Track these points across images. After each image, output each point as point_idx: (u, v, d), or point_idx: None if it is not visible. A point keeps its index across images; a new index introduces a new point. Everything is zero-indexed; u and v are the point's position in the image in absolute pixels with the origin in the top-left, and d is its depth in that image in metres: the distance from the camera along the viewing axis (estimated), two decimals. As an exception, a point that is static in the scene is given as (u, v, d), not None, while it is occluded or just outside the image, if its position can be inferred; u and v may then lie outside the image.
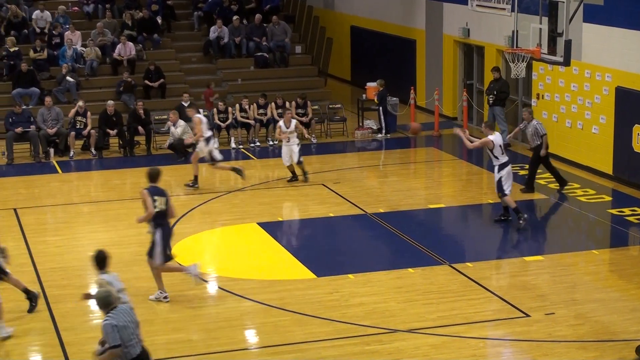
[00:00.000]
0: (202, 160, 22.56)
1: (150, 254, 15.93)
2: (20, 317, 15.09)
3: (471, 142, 19.75)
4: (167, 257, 15.93)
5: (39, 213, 21.10)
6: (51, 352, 13.85)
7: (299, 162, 22.80)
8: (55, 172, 24.75)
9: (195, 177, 22.77)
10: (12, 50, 29.82)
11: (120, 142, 26.68)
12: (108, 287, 11.27)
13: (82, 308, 15.70)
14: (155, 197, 15.81)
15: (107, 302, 10.87)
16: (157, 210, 15.80)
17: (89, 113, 26.45)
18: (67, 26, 31.29)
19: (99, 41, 30.93)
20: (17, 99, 28.28)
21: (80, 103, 26.35)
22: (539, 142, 21.25)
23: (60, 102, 28.40)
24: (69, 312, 15.27)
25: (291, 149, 22.72)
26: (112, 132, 26.47)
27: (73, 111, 26.45)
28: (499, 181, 19.26)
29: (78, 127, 26.19)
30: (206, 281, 16.57)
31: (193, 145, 25.87)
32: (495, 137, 19.26)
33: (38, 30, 31.36)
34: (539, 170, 21.80)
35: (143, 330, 14.29)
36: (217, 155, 22.53)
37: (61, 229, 20.10)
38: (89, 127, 26.30)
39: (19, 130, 25.82)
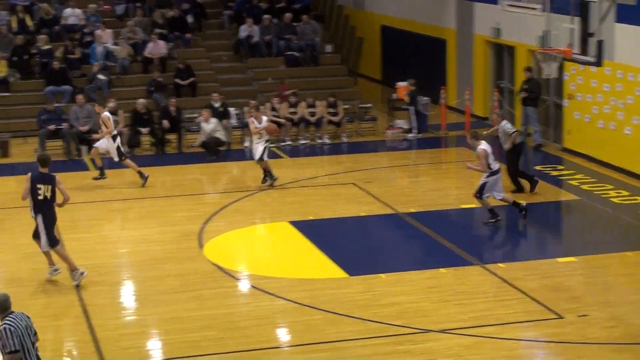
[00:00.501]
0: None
1: (36, 236, 16.44)
2: (55, 314, 15.17)
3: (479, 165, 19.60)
4: (54, 242, 16.36)
5: (71, 210, 21.09)
6: (84, 348, 13.89)
7: (260, 160, 22.53)
8: (87, 169, 24.85)
9: (101, 168, 23.08)
10: (44, 48, 29.98)
11: (152, 140, 26.78)
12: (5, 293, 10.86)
13: (115, 304, 15.80)
14: (39, 185, 16.15)
15: (4, 307, 10.67)
16: (40, 198, 16.15)
17: (120, 111, 26.55)
18: (98, 24, 31.43)
19: (130, 40, 31.05)
20: (50, 96, 28.42)
21: (112, 104, 26.45)
22: (508, 144, 21.21)
23: (92, 99, 28.50)
24: (102, 308, 15.32)
25: (257, 147, 22.63)
26: (144, 130, 26.57)
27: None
28: (483, 185, 19.27)
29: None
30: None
31: (224, 143, 26.00)
32: (486, 146, 19.30)
33: (68, 28, 31.53)
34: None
35: (174, 327, 14.46)
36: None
37: (93, 226, 20.18)
38: (120, 125, 26.39)
39: (51, 127, 25.97)
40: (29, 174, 16.28)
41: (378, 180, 23.33)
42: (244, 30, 32.09)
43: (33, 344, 10.69)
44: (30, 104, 28.53)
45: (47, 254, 16.55)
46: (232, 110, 27.61)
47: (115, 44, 30.88)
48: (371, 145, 27.41)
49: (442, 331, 14.32)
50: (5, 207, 21.39)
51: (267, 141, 22.54)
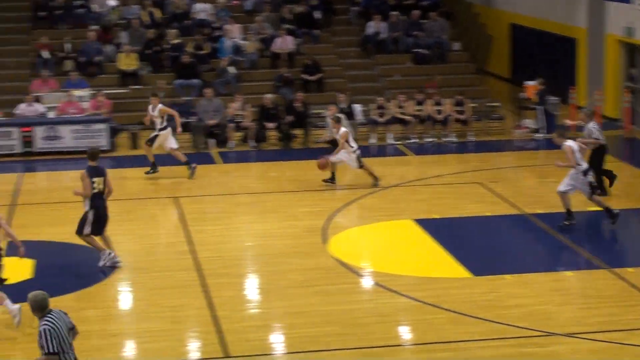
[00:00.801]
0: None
1: (80, 231, 16.82)
2: (180, 304, 15.38)
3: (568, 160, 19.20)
4: (96, 233, 16.88)
5: (198, 202, 21.49)
6: (208, 339, 14.03)
7: (361, 167, 22.51)
8: (215, 162, 25.18)
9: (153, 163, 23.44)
10: (174, 42, 30.48)
11: (279, 135, 26.99)
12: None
13: (240, 297, 15.95)
14: (94, 179, 16.50)
15: (42, 306, 10.58)
16: (95, 191, 16.54)
17: (248, 105, 26.84)
18: (227, 19, 31.81)
19: (259, 35, 31.33)
20: (179, 90, 28.88)
21: (237, 99, 26.76)
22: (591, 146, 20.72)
23: (220, 93, 28.86)
24: (227, 300, 15.47)
25: (351, 156, 22.39)
26: (270, 125, 26.79)
27: (234, 106, 26.93)
28: (590, 184, 19.04)
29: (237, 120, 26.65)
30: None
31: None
32: (572, 143, 18.98)
33: (198, 22, 31.99)
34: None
35: (297, 322, 14.52)
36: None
37: (220, 219, 20.41)
38: (247, 120, 26.70)
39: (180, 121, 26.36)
40: (84, 171, 16.68)
41: (504, 180, 23.07)
42: (371, 27, 32.09)
43: (70, 344, 10.63)
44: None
45: (102, 239, 17.06)
46: (357, 107, 27.63)
47: (244, 38, 31.21)
48: (498, 145, 27.13)
49: (568, 335, 14.06)
50: (133, 198, 21.79)
51: (355, 150, 22.42)
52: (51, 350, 10.30)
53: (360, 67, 32.00)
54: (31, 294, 10.65)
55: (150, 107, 23.78)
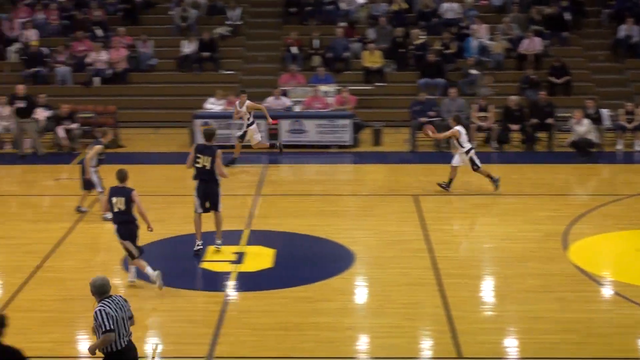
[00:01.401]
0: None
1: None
2: (414, 302, 15.37)
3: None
4: (205, 209, 17.33)
5: (437, 201, 21.44)
6: (442, 339, 13.95)
7: (477, 168, 21.94)
8: (455, 162, 25.08)
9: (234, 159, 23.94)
10: (419, 42, 30.56)
11: (522, 137, 26.62)
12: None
13: (476, 298, 15.80)
14: (199, 155, 17.18)
15: (101, 291, 10.73)
16: (196, 165, 17.11)
17: (491, 107, 26.60)
18: (474, 18, 31.62)
19: (506, 35, 30.99)
20: (423, 88, 28.91)
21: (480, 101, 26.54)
22: None
23: (465, 94, 28.71)
24: (463, 300, 15.34)
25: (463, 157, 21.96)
26: (514, 127, 26.46)
27: (475, 107, 26.77)
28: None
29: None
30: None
31: (595, 145, 25.38)
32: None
33: (446, 21, 31.96)
34: None
35: (533, 327, 14.24)
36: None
37: (459, 219, 20.31)
38: (490, 121, 26.48)
39: (423, 119, 26.41)
40: (194, 145, 17.49)
41: None
42: (623, 30, 31.16)
43: (127, 330, 10.76)
44: (404, 95, 29.19)
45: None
46: (605, 111, 26.90)
47: (491, 39, 30.94)
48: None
49: None
50: (373, 194, 21.96)
51: (467, 150, 21.78)
52: (107, 328, 10.54)
53: (609, 71, 31.13)
54: (92, 279, 10.91)
55: (237, 103, 24.48)
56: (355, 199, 21.86)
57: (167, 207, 20.61)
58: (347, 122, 26.90)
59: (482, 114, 26.62)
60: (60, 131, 26.45)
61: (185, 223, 18.73)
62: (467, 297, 15.58)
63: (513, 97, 27.04)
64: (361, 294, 16.26)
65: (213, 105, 27.73)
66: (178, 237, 18.03)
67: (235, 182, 23.15)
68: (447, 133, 22.12)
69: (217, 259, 17.30)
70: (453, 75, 29.87)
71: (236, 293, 15.89)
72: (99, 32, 32.05)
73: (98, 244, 18.49)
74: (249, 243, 18.27)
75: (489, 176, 21.93)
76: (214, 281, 16.37)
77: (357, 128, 27.17)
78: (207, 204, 17.36)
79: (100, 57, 30.68)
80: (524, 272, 16.68)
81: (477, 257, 17.91)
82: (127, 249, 15.61)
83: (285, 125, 26.82)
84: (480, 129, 26.56)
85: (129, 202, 15.37)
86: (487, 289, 16.58)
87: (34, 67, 30.57)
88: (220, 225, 17.58)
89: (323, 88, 28.59)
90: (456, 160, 21.89)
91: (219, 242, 17.61)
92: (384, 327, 14.36)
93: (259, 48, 32.47)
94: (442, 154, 25.76)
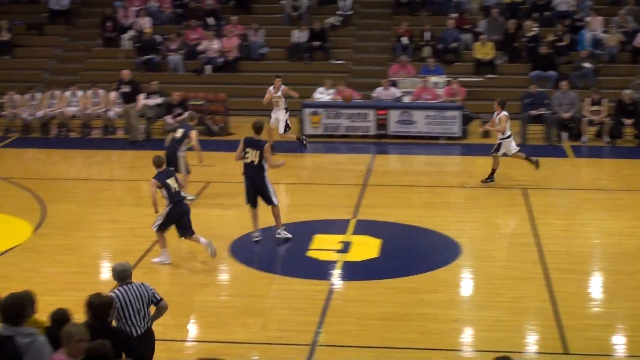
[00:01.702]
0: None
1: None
2: (521, 296, 15.22)
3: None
4: (252, 203, 17.41)
5: (546, 195, 21.19)
6: (548, 334, 13.78)
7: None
8: (566, 156, 24.75)
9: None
10: (531, 34, 30.20)
11: (635, 132, 26.13)
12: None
13: (584, 294, 15.58)
14: (247, 149, 17.24)
15: (121, 277, 10.87)
16: (244, 160, 17.22)
17: (604, 100, 26.18)
18: (589, 11, 31.12)
19: (621, 28, 30.43)
20: (534, 81, 28.56)
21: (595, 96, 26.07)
22: None
23: (577, 87, 28.29)
24: (571, 296, 15.13)
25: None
26: (628, 121, 25.99)
27: (588, 101, 26.37)
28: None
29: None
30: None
31: None
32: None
33: (559, 13, 31.52)
34: None
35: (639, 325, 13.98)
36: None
37: (567, 213, 20.01)
38: (602, 115, 26.06)
39: (533, 112, 26.14)
40: (244, 138, 17.49)
41: None
42: None
43: (144, 316, 10.80)
44: (515, 87, 28.87)
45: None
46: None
47: (605, 31, 30.41)
48: None
49: None
50: (481, 187, 21.78)
51: (508, 136, 21.42)
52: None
53: None
54: (114, 264, 11.08)
55: (271, 88, 24.29)
56: (463, 191, 21.73)
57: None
58: (456, 113, 26.73)
59: (594, 107, 26.19)
60: (169, 119, 26.81)
61: (291, 212, 18.85)
62: (575, 293, 15.36)
63: (627, 91, 26.54)
64: (467, 287, 16.17)
65: (322, 94, 27.83)
66: (285, 224, 18.11)
67: (343, 172, 23.23)
68: (503, 121, 21.63)
69: (323, 248, 17.38)
70: (565, 68, 29.44)
71: (341, 282, 15.95)
72: (211, 20, 32.44)
73: (207, 229, 18.68)
74: (356, 232, 18.31)
75: (493, 171, 21.71)
76: (320, 270, 16.44)
77: (467, 120, 26.99)
78: (257, 200, 17.48)
79: (212, 46, 31.05)
80: (635, 269, 16.38)
81: (586, 252, 17.63)
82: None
83: (394, 115, 26.76)
84: (592, 122, 26.14)
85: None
86: (596, 285, 16.31)
87: (146, 55, 31.10)
88: (278, 218, 17.69)
89: (433, 79, 28.47)
90: (513, 146, 21.62)
91: (279, 231, 17.72)
92: (490, 321, 14.26)
93: (369, 38, 32.49)
94: (553, 147, 25.46)
